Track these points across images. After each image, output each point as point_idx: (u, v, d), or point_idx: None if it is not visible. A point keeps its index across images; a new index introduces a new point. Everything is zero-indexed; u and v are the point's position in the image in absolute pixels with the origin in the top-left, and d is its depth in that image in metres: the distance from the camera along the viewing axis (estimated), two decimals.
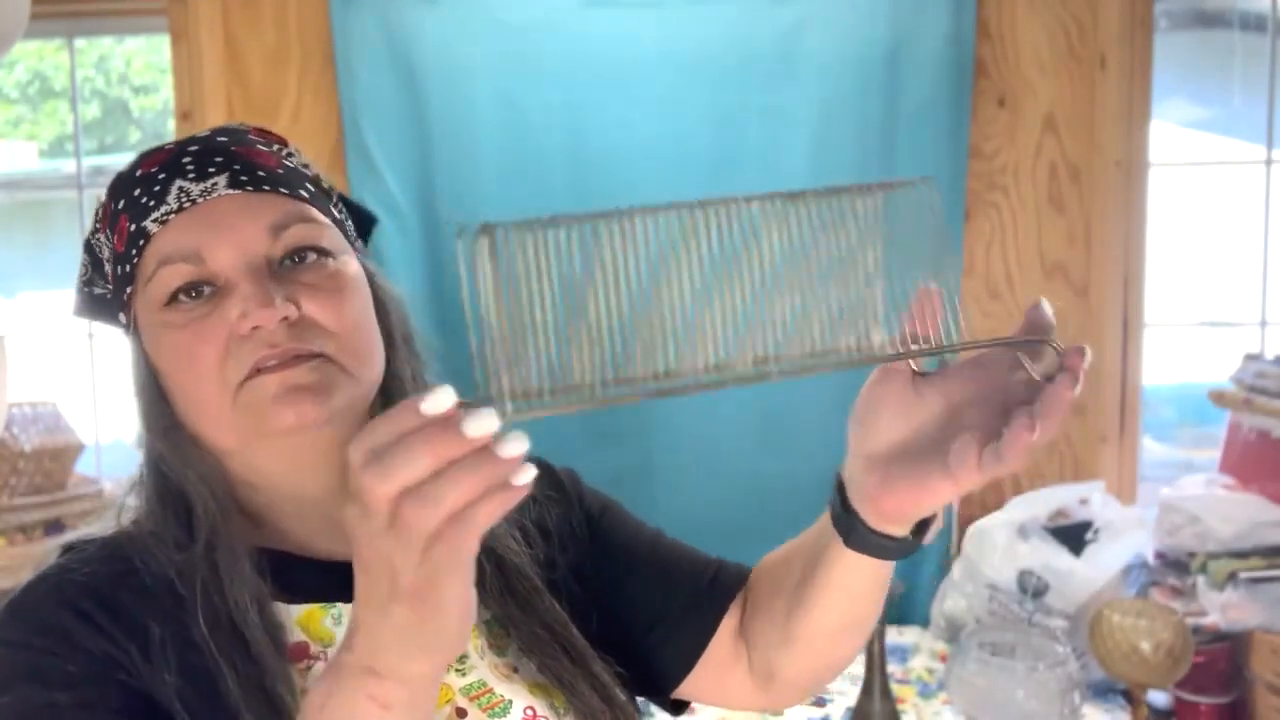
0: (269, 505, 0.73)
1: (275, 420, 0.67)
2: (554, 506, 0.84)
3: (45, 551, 0.72)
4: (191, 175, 0.70)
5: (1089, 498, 1.95)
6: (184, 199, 0.70)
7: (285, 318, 0.67)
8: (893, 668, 1.82)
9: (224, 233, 0.69)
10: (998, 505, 2.08)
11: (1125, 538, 1.76)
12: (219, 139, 0.74)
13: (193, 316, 0.68)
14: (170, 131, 2.30)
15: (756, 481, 2.08)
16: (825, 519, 0.70)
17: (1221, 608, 1.56)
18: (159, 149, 0.74)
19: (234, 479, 0.72)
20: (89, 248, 0.77)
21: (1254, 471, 1.81)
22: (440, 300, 2.10)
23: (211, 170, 0.71)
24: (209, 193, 0.70)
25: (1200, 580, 1.62)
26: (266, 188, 0.72)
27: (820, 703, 1.70)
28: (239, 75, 2.20)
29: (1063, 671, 1.35)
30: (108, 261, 0.74)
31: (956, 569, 1.93)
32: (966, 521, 2.02)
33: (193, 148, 0.73)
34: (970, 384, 0.62)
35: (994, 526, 1.86)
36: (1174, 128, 2.20)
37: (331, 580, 0.70)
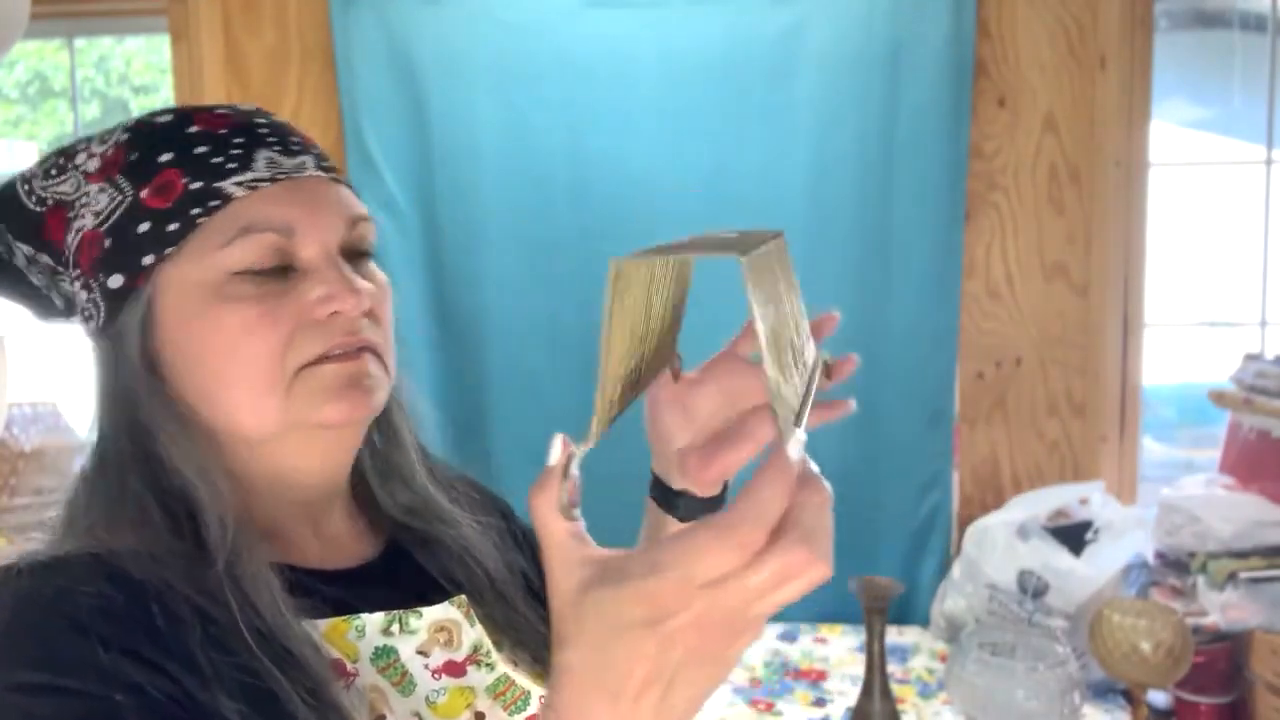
0: (264, 515, 0.68)
1: (327, 412, 0.64)
2: (504, 521, 0.84)
3: None
4: (278, 148, 0.66)
5: (1089, 498, 1.95)
6: (276, 170, 0.65)
7: (369, 309, 0.66)
8: (893, 668, 1.82)
9: (317, 214, 0.65)
10: (998, 505, 2.08)
11: (1125, 538, 1.76)
12: (271, 116, 0.70)
13: (267, 291, 0.63)
14: None
15: None
16: (651, 512, 0.77)
17: (1221, 608, 1.56)
18: (205, 109, 0.68)
19: (237, 484, 0.66)
20: (32, 200, 0.68)
21: (1254, 471, 1.81)
22: (440, 300, 2.11)
23: (296, 148, 0.68)
24: (300, 169, 0.66)
25: (1200, 580, 1.62)
26: (340, 179, 0.70)
27: (820, 703, 1.70)
28: (239, 75, 2.20)
29: (1063, 671, 1.35)
30: (98, 215, 0.65)
31: (956, 569, 1.93)
32: (966, 521, 2.02)
33: (261, 120, 0.68)
34: (729, 375, 0.74)
35: (994, 526, 1.86)
36: (1174, 128, 2.20)
37: (336, 590, 0.68)
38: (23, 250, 0.70)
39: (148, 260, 0.64)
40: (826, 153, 2.01)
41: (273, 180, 0.65)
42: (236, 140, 0.65)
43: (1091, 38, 2.03)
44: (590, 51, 2.03)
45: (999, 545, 1.83)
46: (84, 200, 0.67)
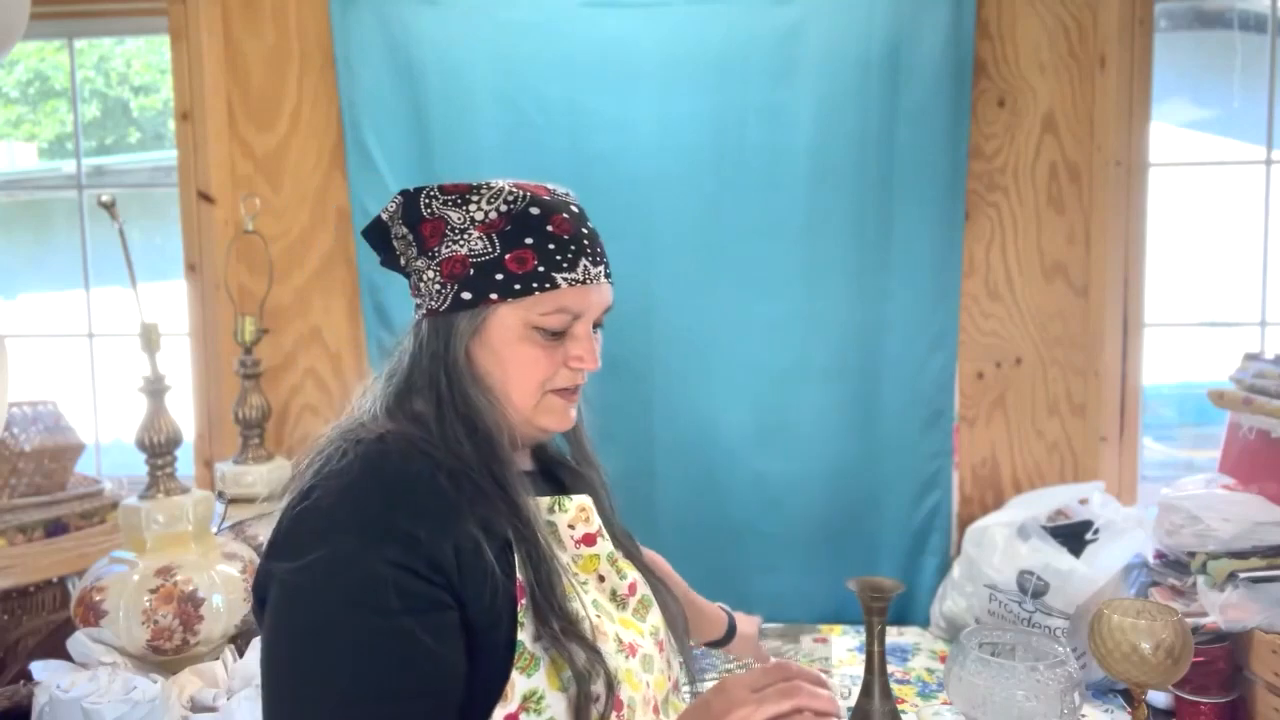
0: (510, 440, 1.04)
1: (552, 419, 1.05)
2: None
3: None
4: (590, 257, 1.02)
5: (1089, 498, 1.95)
6: (586, 276, 1.01)
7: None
8: (893, 668, 1.83)
9: (593, 309, 1.04)
10: (997, 505, 2.08)
11: (1125, 538, 1.76)
12: (589, 223, 1.06)
13: (548, 345, 1.02)
14: (170, 132, 2.30)
15: (756, 481, 2.08)
16: (713, 622, 1.48)
17: (1221, 608, 1.56)
18: (562, 208, 1.03)
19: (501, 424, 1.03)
20: (427, 210, 1.02)
21: (1254, 471, 1.81)
22: None
23: (599, 258, 1.04)
24: (596, 279, 1.03)
25: (1200, 580, 1.62)
26: (609, 278, 1.06)
27: None
28: (239, 75, 2.20)
29: (1063, 671, 1.35)
30: (471, 251, 1.00)
31: (956, 569, 1.93)
32: (966, 521, 2.02)
33: (585, 229, 1.04)
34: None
35: (994, 526, 1.86)
36: (1174, 128, 2.20)
37: (531, 483, 1.05)
38: (401, 227, 1.05)
39: (493, 297, 0.99)
40: (827, 152, 2.01)
41: (583, 282, 1.01)
42: (571, 247, 1.01)
43: (1091, 38, 2.03)
44: (590, 51, 2.03)
45: (999, 545, 1.83)
46: (466, 234, 1.01)
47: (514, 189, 1.02)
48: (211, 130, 2.20)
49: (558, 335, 1.02)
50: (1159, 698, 1.62)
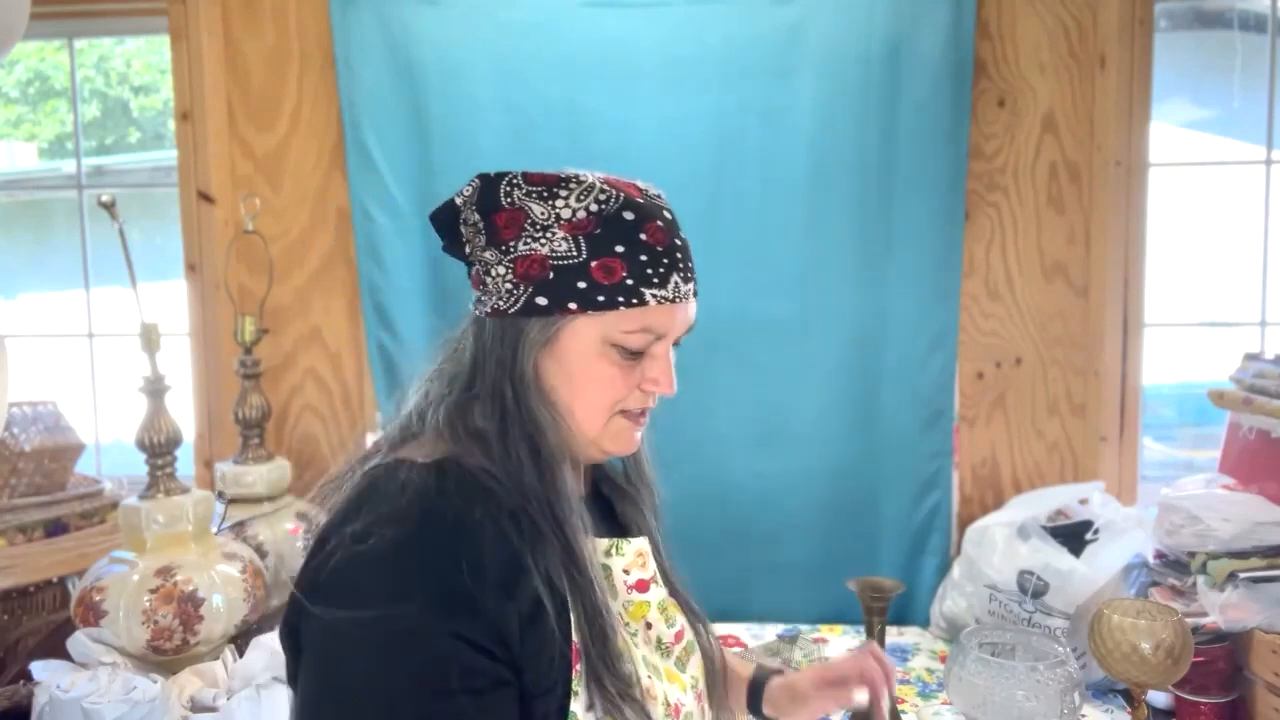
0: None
1: (617, 444, 0.97)
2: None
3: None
4: (682, 273, 0.93)
5: (1089, 498, 1.95)
6: (675, 294, 0.92)
7: None
8: None
9: (677, 328, 0.96)
10: (997, 505, 2.08)
11: (1125, 538, 1.76)
12: (680, 233, 0.96)
13: (624, 364, 0.94)
14: (170, 132, 2.30)
15: (756, 481, 2.08)
16: (740, 691, 1.21)
17: (1221, 608, 1.56)
18: (656, 213, 0.93)
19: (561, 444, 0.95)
20: (507, 200, 0.94)
21: (1254, 471, 1.81)
22: (441, 300, 2.10)
23: (690, 273, 0.95)
24: (685, 297, 0.94)
25: (1200, 580, 1.62)
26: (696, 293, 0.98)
27: None
28: (239, 75, 2.20)
29: (1063, 671, 1.35)
30: (554, 252, 0.90)
31: (956, 569, 1.93)
32: (966, 521, 2.02)
33: (679, 239, 0.94)
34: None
35: (994, 526, 1.86)
36: (1174, 128, 2.20)
37: (591, 519, 0.97)
38: (473, 213, 0.95)
39: (572, 306, 0.90)
40: (827, 152, 2.01)
41: (672, 301, 0.92)
42: (664, 260, 0.92)
43: (1091, 38, 2.03)
44: (590, 51, 2.03)
45: (999, 545, 1.83)
46: (549, 231, 0.91)
47: (606, 186, 0.94)
48: (211, 130, 2.20)
49: (636, 354, 0.94)
50: (1159, 698, 1.62)
